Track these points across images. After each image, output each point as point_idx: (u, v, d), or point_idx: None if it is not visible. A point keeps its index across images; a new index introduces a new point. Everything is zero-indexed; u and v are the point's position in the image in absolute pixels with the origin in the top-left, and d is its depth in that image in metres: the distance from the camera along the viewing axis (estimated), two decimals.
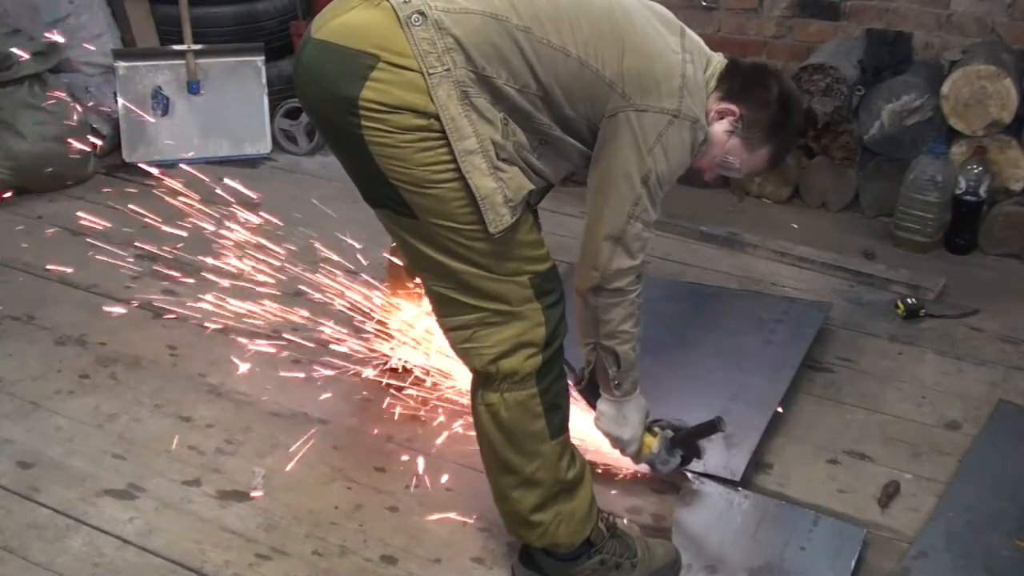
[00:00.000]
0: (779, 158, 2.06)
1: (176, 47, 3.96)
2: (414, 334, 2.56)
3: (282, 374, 2.67)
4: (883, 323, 2.94)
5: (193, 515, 2.20)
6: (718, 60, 1.97)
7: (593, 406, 2.09)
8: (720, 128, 1.95)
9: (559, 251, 1.91)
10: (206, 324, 2.89)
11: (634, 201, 1.83)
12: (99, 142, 3.88)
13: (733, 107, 1.93)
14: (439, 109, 1.67)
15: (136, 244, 3.35)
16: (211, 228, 3.45)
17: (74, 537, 2.13)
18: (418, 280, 2.15)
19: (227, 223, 3.50)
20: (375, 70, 1.66)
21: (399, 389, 2.58)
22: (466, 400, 2.00)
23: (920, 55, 3.56)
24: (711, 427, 2.11)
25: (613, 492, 2.26)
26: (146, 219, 3.52)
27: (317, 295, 3.03)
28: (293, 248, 3.33)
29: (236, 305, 2.97)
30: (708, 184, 3.54)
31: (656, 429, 2.15)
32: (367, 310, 2.75)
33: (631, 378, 2.02)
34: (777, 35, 3.82)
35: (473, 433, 1.97)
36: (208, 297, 3.01)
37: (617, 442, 2.09)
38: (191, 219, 3.53)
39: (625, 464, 2.24)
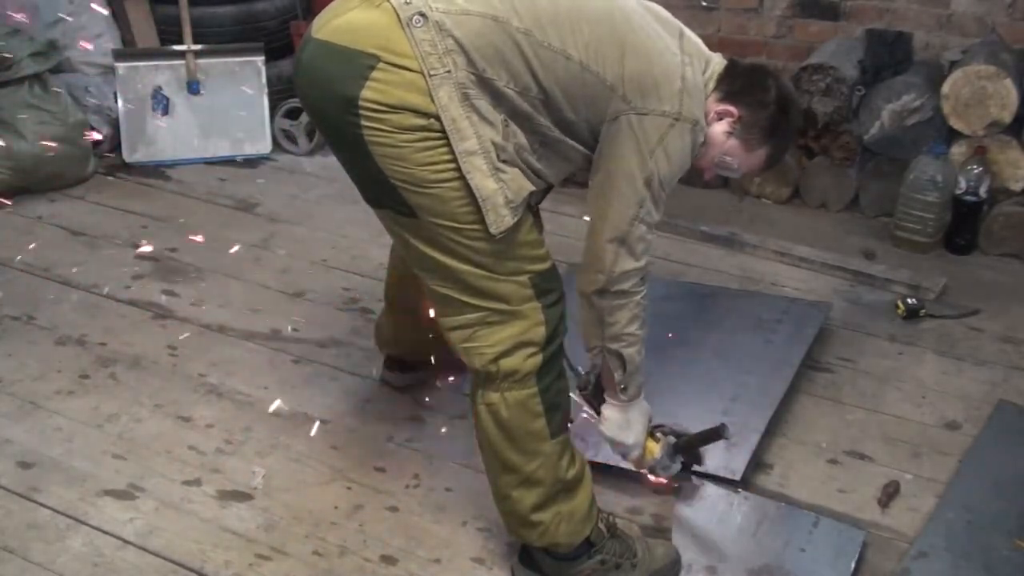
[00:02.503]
0: (776, 158, 2.07)
1: (176, 47, 3.96)
2: None
3: (282, 374, 2.67)
4: (883, 323, 2.94)
5: (193, 515, 2.20)
6: (717, 61, 1.97)
7: (598, 411, 2.08)
8: (719, 129, 1.95)
9: (559, 251, 1.91)
10: (206, 324, 2.89)
11: (638, 203, 1.83)
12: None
13: (732, 108, 1.94)
14: (440, 110, 1.67)
15: (136, 244, 3.35)
16: (211, 228, 3.46)
17: (74, 537, 2.14)
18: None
19: (227, 223, 3.51)
20: (375, 70, 1.66)
21: (399, 389, 2.59)
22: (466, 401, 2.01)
23: (920, 55, 3.56)
24: (715, 434, 2.09)
25: (613, 492, 2.26)
26: (146, 219, 3.53)
27: (317, 295, 3.03)
28: (293, 248, 3.33)
29: (236, 305, 2.97)
30: (708, 184, 3.55)
31: (659, 435, 2.13)
32: (367, 310, 2.76)
33: (637, 382, 2.00)
34: (777, 35, 3.82)
35: (473, 433, 1.97)
36: (208, 297, 3.01)
37: (621, 447, 2.08)
38: (191, 219, 3.53)
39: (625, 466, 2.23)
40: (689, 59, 1.87)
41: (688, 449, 2.16)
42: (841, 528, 2.14)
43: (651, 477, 2.20)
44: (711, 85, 1.94)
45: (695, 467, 2.22)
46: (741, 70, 1.97)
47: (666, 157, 1.82)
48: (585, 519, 1.95)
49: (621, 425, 2.05)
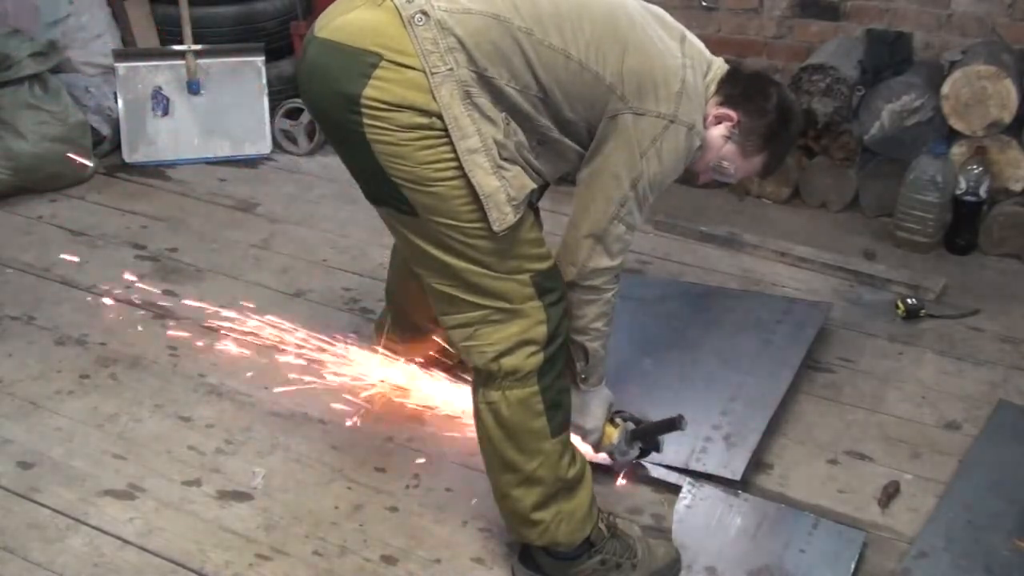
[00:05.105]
0: (773, 166, 2.08)
1: (176, 47, 3.96)
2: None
3: (282, 374, 2.67)
4: (883, 323, 2.94)
5: (193, 515, 2.20)
6: (718, 65, 1.98)
7: None
8: (717, 133, 1.96)
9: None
10: (206, 324, 2.89)
11: (620, 202, 1.85)
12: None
13: (731, 113, 1.94)
14: (442, 108, 1.68)
15: (136, 244, 3.35)
16: (211, 228, 3.46)
17: (74, 537, 2.14)
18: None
19: (227, 223, 3.51)
20: (378, 68, 1.67)
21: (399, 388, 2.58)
22: (466, 402, 2.01)
23: (920, 55, 3.56)
24: (671, 424, 2.15)
25: (613, 492, 2.26)
26: (146, 219, 3.52)
27: (317, 295, 3.03)
28: (293, 248, 3.33)
29: (236, 305, 2.97)
30: (708, 184, 3.55)
31: (618, 421, 2.20)
32: (368, 310, 2.76)
33: (597, 373, 2.06)
34: (777, 35, 3.81)
35: (473, 433, 1.97)
36: (208, 297, 3.01)
37: (578, 430, 2.13)
38: (191, 219, 3.53)
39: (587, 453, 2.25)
40: (690, 62, 1.87)
41: (645, 436, 2.21)
42: (841, 529, 2.14)
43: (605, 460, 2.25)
44: (712, 89, 1.94)
45: (653, 454, 2.26)
46: (743, 76, 1.97)
47: (658, 159, 1.83)
48: (585, 518, 1.96)
49: (579, 409, 2.09)
